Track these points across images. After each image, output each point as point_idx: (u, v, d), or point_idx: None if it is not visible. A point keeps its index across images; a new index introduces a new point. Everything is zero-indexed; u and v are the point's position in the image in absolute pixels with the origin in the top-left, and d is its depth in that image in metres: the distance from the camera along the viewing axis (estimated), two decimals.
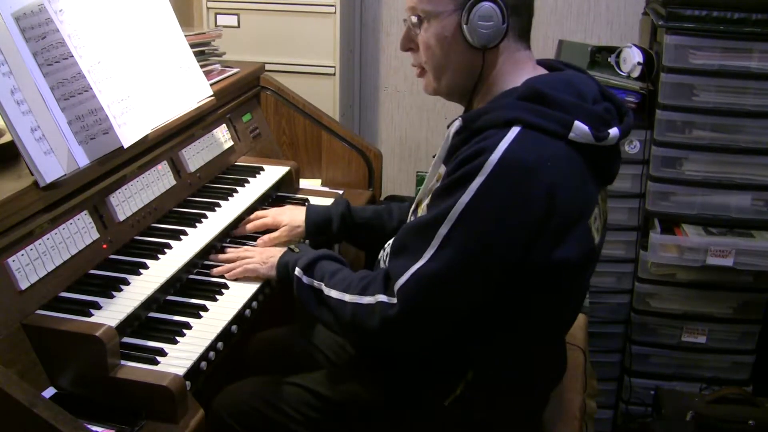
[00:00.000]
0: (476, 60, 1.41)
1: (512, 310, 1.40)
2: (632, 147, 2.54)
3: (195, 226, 1.80)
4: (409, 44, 1.49)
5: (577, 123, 1.32)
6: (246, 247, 1.81)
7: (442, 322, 1.40)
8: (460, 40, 1.40)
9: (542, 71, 1.46)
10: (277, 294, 1.75)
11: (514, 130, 1.30)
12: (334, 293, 1.47)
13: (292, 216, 1.86)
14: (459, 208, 1.29)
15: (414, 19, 1.44)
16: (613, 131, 1.37)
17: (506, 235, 1.30)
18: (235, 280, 1.69)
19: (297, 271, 1.55)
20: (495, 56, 1.42)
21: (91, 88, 1.59)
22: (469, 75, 1.43)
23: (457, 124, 1.42)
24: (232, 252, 1.77)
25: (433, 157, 1.50)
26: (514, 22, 1.40)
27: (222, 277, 1.71)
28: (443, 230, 1.31)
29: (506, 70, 1.43)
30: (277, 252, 1.69)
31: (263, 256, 1.71)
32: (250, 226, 1.88)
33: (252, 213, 1.94)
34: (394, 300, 1.36)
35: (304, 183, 2.29)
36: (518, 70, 1.43)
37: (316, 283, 1.52)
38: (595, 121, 1.35)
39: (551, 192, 1.29)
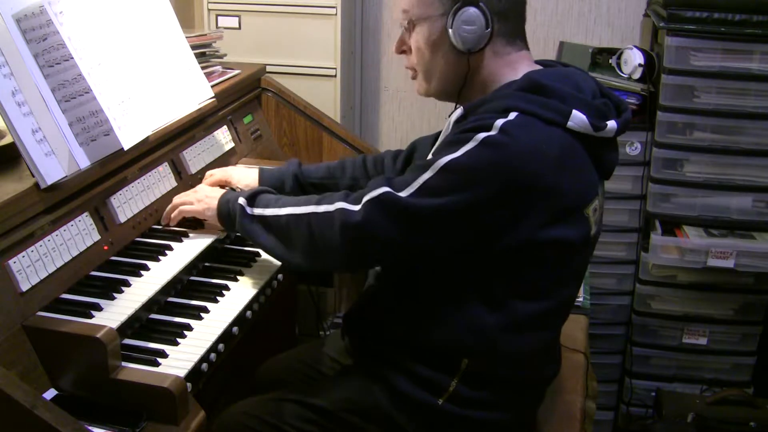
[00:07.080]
0: (463, 63, 1.46)
1: (500, 288, 1.42)
2: (633, 149, 2.53)
3: (196, 228, 1.79)
4: (402, 47, 1.54)
5: (575, 112, 1.36)
6: (183, 193, 1.82)
7: (394, 250, 1.41)
8: (446, 43, 1.45)
9: (540, 68, 1.48)
10: (275, 300, 1.74)
11: (513, 114, 1.34)
12: (283, 211, 1.50)
13: (242, 175, 1.89)
14: (444, 161, 1.33)
15: (405, 22, 1.49)
16: (611, 123, 1.42)
17: (478, 202, 1.32)
18: (229, 284, 1.69)
19: (241, 200, 1.58)
20: (482, 59, 1.45)
21: (91, 90, 1.59)
22: (457, 77, 1.48)
23: (458, 112, 1.45)
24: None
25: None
26: (501, 26, 1.43)
27: (175, 234, 1.75)
28: (426, 175, 1.34)
29: (499, 70, 1.46)
30: (214, 192, 1.72)
31: (198, 195, 1.75)
32: (207, 183, 1.90)
33: None
34: (357, 208, 1.39)
35: None
36: (514, 68, 1.46)
37: (257, 210, 1.55)
38: (593, 112, 1.39)
39: (540, 172, 1.32)
